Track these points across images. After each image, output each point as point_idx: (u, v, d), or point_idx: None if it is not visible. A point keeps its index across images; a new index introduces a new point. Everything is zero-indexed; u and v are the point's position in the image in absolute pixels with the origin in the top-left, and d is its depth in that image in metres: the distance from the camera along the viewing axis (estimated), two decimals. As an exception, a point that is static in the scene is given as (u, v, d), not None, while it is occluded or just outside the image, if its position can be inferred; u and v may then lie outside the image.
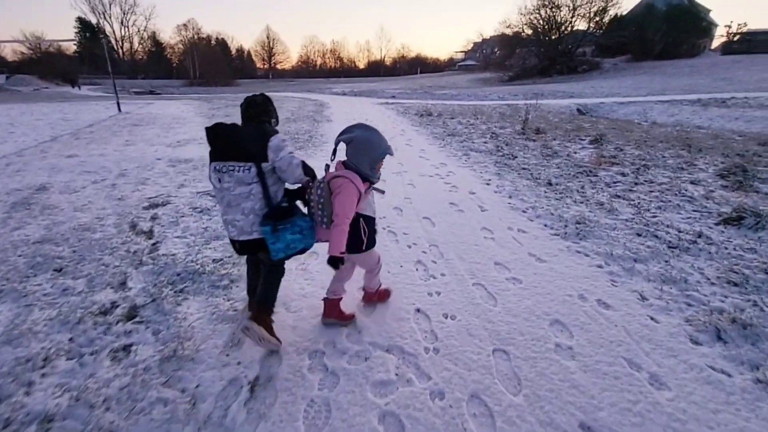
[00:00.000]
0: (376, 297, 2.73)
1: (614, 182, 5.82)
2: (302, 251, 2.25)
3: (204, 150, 8.46)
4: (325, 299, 2.52)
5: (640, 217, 4.37)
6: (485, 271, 3.25)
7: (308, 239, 2.21)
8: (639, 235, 3.90)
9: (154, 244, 3.68)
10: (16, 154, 8.00)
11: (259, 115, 2.27)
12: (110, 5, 71.56)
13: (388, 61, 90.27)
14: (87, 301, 2.75)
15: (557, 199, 5.04)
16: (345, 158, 2.19)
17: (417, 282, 3.08)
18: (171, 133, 10.62)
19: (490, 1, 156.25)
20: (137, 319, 2.54)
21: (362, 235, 2.23)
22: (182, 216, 4.41)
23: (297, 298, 2.83)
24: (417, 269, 3.31)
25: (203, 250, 3.55)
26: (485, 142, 9.05)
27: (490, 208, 4.77)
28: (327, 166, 2.22)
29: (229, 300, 2.77)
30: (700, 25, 38.94)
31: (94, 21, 71.79)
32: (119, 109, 15.28)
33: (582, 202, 4.90)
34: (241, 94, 34.82)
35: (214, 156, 2.16)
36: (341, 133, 2.19)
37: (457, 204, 4.93)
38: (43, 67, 54.46)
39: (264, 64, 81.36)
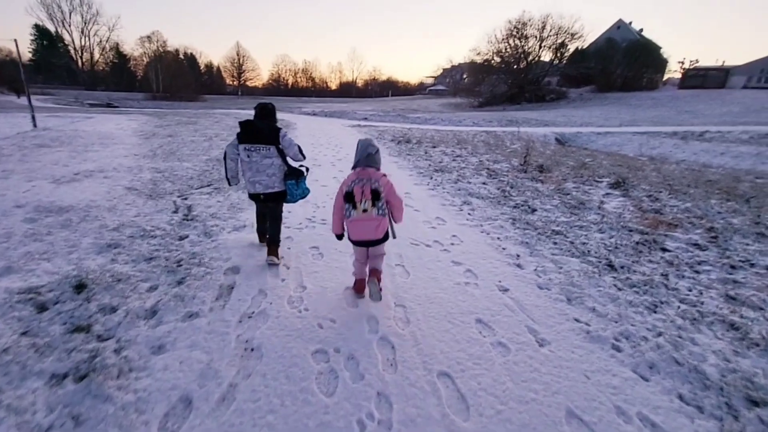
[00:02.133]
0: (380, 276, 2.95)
1: (698, 263, 3.81)
2: (306, 196, 3.65)
3: (107, 187, 5.92)
4: (372, 269, 2.94)
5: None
6: None
7: (305, 191, 3.58)
8: None
9: None
10: None
11: (269, 116, 3.46)
12: (70, 13, 66.47)
13: (359, 83, 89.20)
14: None
15: (650, 309, 2.91)
16: (367, 165, 2.72)
17: None
18: (77, 160, 7.90)
19: (458, 29, 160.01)
20: None
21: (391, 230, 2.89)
22: None
23: None
24: None
25: None
26: (484, 183, 6.98)
27: (552, 339, 2.55)
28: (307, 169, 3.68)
29: None
30: (657, 60, 39.91)
31: (52, 29, 66.46)
32: (34, 125, 12.32)
33: (696, 320, 2.79)
34: (202, 110, 31.82)
35: (245, 140, 3.30)
36: (366, 149, 2.76)
37: (490, 324, 2.69)
38: (-14, 74, 48.92)
39: (234, 80, 77.95)
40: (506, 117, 28.20)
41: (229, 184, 3.62)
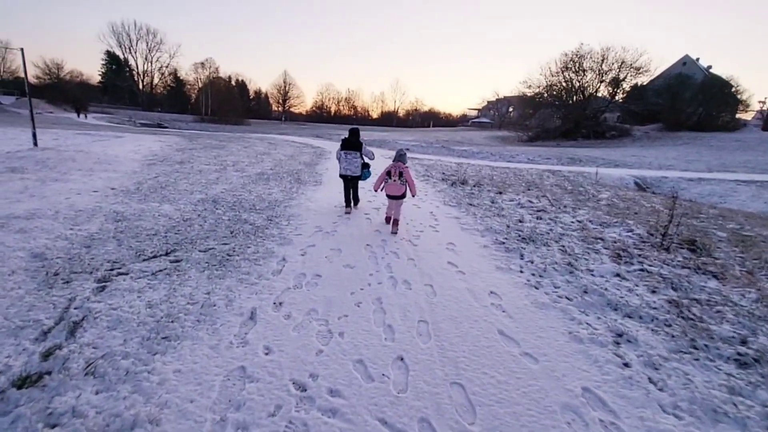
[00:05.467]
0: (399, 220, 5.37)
1: None
2: (369, 177, 6.27)
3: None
4: (394, 220, 5.32)
5: None
6: None
7: (369, 174, 6.28)
8: None
9: None
10: None
11: (356, 134, 6.16)
12: (137, 41, 70.79)
13: (401, 113, 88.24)
14: None
15: None
16: (399, 161, 5.32)
17: None
18: (26, 195, 5.79)
19: (503, 63, 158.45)
20: None
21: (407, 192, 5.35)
22: None
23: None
24: None
25: None
26: (621, 277, 4.04)
27: None
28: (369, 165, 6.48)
29: None
30: (735, 98, 35.31)
31: (120, 55, 70.93)
32: (35, 143, 10.79)
33: None
34: (240, 133, 30.87)
35: (344, 147, 6.06)
36: (400, 154, 5.43)
37: None
38: (55, 92, 51.98)
39: (279, 106, 79.42)
40: (565, 154, 24.89)
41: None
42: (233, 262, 3.85)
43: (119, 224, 4.85)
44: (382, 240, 4.94)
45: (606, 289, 3.70)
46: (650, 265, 4.42)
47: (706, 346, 2.80)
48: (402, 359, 2.43)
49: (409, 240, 5.01)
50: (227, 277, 3.48)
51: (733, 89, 36.38)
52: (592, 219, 6.55)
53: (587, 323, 3.07)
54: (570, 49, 42.35)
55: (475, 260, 4.40)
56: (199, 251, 4.16)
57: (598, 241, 5.30)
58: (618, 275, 4.10)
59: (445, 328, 2.84)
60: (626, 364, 2.56)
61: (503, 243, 5.01)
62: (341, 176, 6.15)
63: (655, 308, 3.38)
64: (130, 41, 70.44)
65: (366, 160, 6.21)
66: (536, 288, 3.69)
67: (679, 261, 4.62)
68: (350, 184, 6.23)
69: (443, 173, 11.81)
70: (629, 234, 5.68)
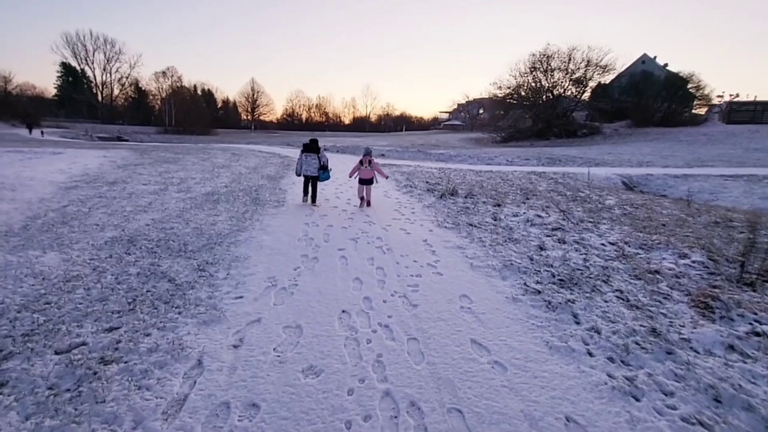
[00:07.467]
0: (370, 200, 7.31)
1: None
2: (327, 180, 7.41)
3: None
4: (367, 201, 7.23)
5: None
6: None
7: (328, 176, 7.31)
8: None
9: None
10: None
11: (315, 142, 7.26)
12: (94, 52, 66.07)
13: (373, 118, 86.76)
14: None
15: None
16: (366, 155, 7.24)
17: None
18: None
19: (473, 63, 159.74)
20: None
21: (376, 179, 7.26)
22: None
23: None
24: None
25: None
26: (743, 356, 2.52)
27: None
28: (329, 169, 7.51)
29: None
30: (697, 94, 35.83)
31: (76, 66, 65.99)
32: None
33: None
34: (203, 144, 28.42)
35: (305, 151, 7.14)
36: (368, 150, 7.51)
37: None
38: (2, 107, 47.31)
39: (248, 115, 76.19)
40: (542, 154, 23.97)
41: (297, 174, 7.23)
42: (99, 384, 2.09)
43: (-55, 300, 2.97)
44: (365, 299, 3.28)
45: (740, 386, 2.18)
46: (758, 321, 2.97)
47: None
48: None
49: (404, 295, 3.37)
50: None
51: (694, 85, 37.08)
52: (626, 239, 5.12)
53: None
54: (537, 49, 41.82)
55: (511, 331, 2.80)
56: (55, 353, 2.37)
57: (657, 276, 3.84)
58: (732, 348, 2.61)
59: None
60: None
61: (538, 291, 3.45)
62: (304, 176, 7.25)
63: None
64: (86, 52, 65.68)
65: (322, 162, 7.19)
66: (636, 399, 2.12)
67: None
68: (310, 182, 7.28)
69: (427, 182, 10.26)
70: (687, 262, 4.26)
